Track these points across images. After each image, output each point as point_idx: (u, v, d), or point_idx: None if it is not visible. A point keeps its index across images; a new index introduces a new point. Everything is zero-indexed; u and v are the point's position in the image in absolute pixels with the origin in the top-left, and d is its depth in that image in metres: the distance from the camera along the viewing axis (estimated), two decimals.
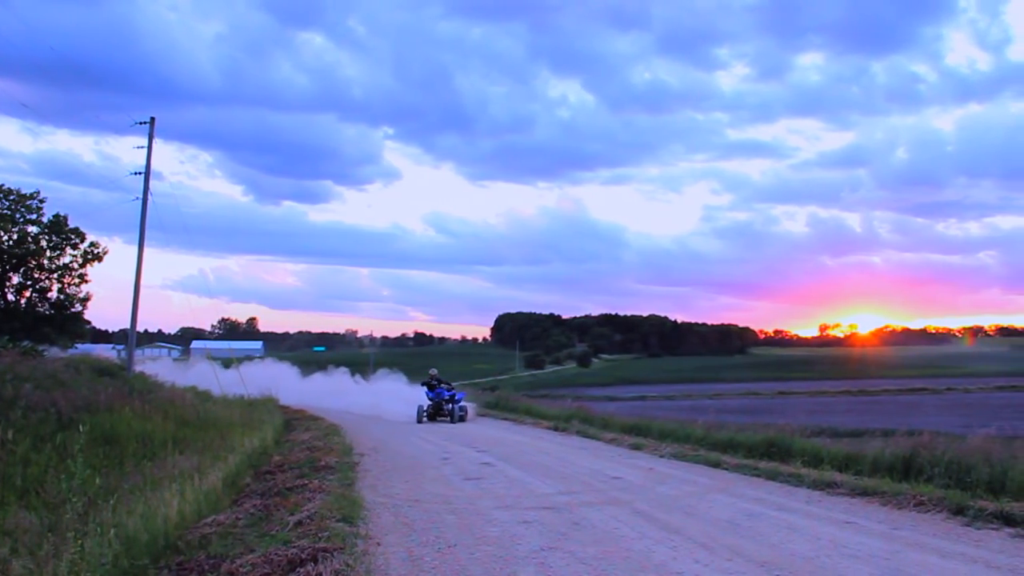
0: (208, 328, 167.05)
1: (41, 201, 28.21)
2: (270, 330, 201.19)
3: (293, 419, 24.31)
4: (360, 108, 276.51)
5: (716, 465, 13.37)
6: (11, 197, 28.00)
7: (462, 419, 25.96)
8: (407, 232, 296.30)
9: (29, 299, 28.16)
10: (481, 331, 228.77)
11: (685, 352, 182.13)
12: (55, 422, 13.28)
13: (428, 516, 9.12)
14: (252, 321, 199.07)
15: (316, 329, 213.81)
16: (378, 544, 7.58)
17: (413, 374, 42.81)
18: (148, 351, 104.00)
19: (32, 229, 28.08)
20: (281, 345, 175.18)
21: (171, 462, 11.38)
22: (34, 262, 27.65)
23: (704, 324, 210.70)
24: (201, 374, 36.44)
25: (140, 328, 30.93)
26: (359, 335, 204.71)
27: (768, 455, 13.79)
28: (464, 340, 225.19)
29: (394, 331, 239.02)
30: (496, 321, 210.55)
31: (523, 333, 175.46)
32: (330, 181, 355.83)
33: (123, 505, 7.87)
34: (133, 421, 14.51)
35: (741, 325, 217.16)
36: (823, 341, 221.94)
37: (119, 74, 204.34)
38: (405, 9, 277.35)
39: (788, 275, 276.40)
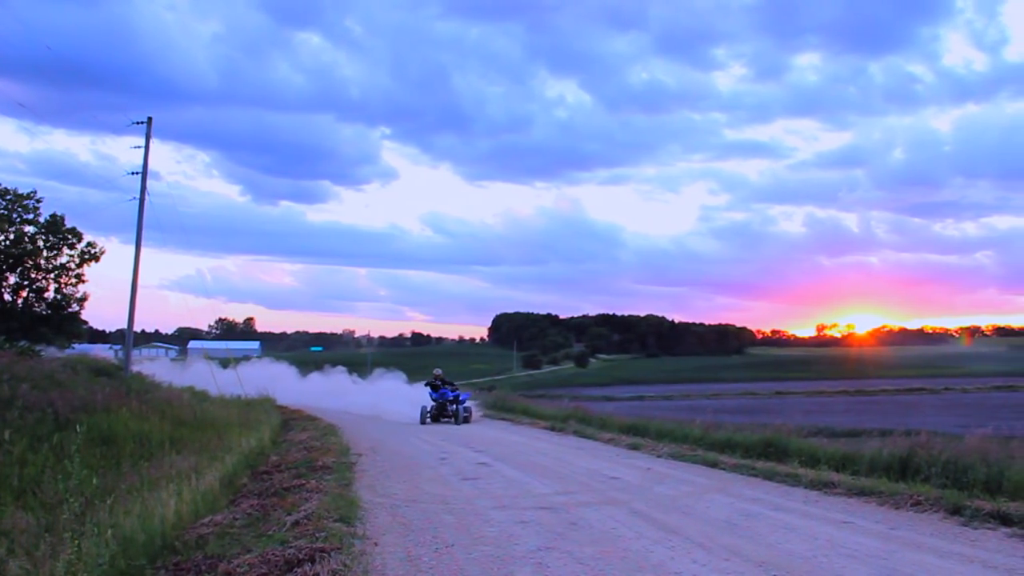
0: (205, 328, 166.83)
1: (38, 201, 28.19)
2: (267, 330, 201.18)
3: (290, 419, 24.31)
4: (357, 108, 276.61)
5: (714, 465, 13.37)
6: (8, 197, 27.96)
7: (466, 420, 25.51)
8: (404, 232, 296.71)
9: (26, 299, 28.12)
10: (478, 331, 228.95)
11: (682, 352, 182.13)
12: (52, 422, 13.27)
13: (426, 516, 9.12)
14: (249, 321, 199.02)
15: (313, 329, 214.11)
16: (375, 544, 7.58)
17: (411, 374, 42.84)
18: (145, 351, 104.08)
19: (29, 229, 28.04)
20: (278, 345, 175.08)
21: (168, 462, 11.38)
22: (31, 262, 27.61)
23: (701, 324, 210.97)
24: (198, 374, 36.47)
25: (137, 328, 30.91)
26: (356, 335, 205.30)
27: (765, 455, 13.79)
28: (461, 340, 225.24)
29: (391, 331, 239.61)
30: (493, 321, 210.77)
31: (520, 333, 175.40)
32: (327, 181, 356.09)
33: (120, 505, 7.87)
34: (130, 421, 14.51)
35: (738, 325, 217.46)
36: (820, 341, 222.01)
37: (116, 74, 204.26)
38: (402, 9, 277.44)
39: (785, 275, 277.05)
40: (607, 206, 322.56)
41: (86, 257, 28.87)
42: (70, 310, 29.07)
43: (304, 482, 10.79)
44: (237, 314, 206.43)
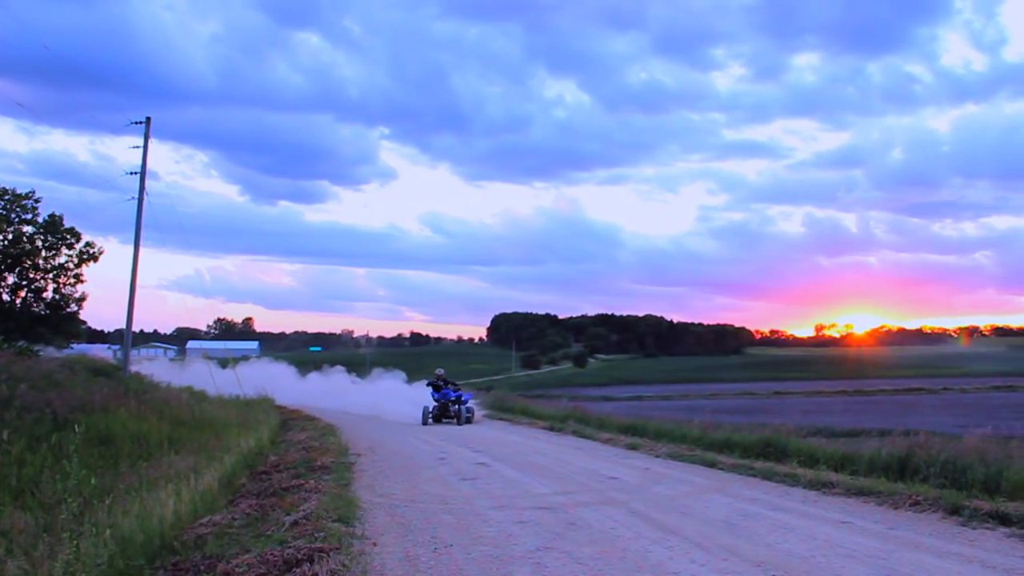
0: (204, 328, 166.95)
1: (36, 201, 28.19)
2: (266, 330, 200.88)
3: (289, 419, 24.32)
4: (356, 108, 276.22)
5: (712, 465, 13.38)
6: (6, 197, 27.95)
7: (468, 421, 25.13)
8: (403, 232, 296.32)
9: (24, 299, 28.11)
10: (477, 331, 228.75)
11: (681, 352, 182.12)
12: (50, 422, 13.27)
13: (424, 516, 9.12)
14: (248, 321, 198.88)
15: (312, 329, 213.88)
16: (374, 544, 7.57)
17: (409, 374, 42.87)
18: (144, 351, 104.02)
19: (27, 229, 28.03)
20: (277, 345, 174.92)
21: (167, 462, 11.38)
22: (29, 262, 27.59)
23: (700, 324, 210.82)
24: (197, 374, 36.43)
25: (136, 328, 30.91)
26: (355, 335, 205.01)
27: (764, 455, 13.80)
28: (460, 340, 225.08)
29: (390, 331, 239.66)
30: (492, 321, 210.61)
31: (519, 333, 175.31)
32: (326, 181, 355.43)
33: (119, 505, 7.87)
34: (129, 421, 14.51)
35: (737, 325, 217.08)
36: (819, 341, 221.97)
37: (115, 74, 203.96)
38: (401, 9, 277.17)
39: (784, 275, 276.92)
40: (606, 206, 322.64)
41: (84, 257, 28.87)
42: (68, 310, 29.06)
43: (303, 482, 10.79)
44: (236, 314, 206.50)
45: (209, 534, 7.76)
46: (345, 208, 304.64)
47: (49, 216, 28.36)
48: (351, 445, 16.58)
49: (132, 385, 20.91)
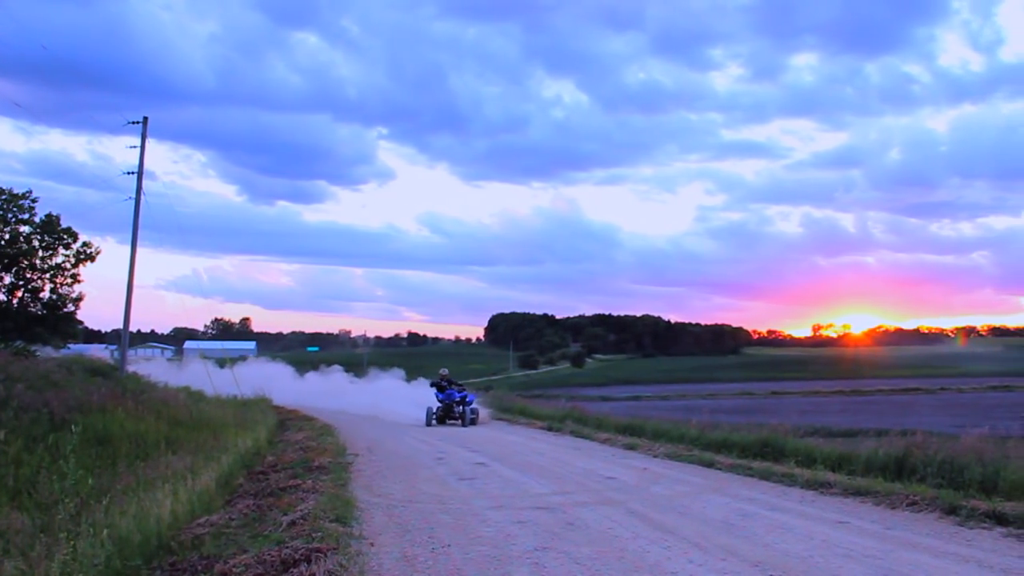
0: (201, 328, 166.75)
1: (33, 201, 28.08)
2: (263, 330, 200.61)
3: (287, 419, 24.30)
4: (354, 108, 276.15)
5: (710, 465, 13.39)
6: (3, 197, 27.85)
7: (473, 422, 24.70)
8: (401, 232, 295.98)
9: (21, 299, 28.01)
10: (475, 331, 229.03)
11: (679, 352, 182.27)
12: (47, 423, 13.24)
13: (422, 516, 9.12)
14: (245, 321, 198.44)
15: (310, 329, 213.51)
16: (372, 544, 7.57)
17: (408, 374, 42.85)
18: (141, 351, 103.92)
19: (24, 229, 27.94)
20: (275, 345, 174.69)
21: (164, 462, 11.36)
22: (26, 262, 27.50)
23: (698, 324, 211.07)
24: (194, 374, 36.38)
25: (133, 328, 30.87)
26: (353, 335, 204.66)
27: (762, 455, 13.82)
28: (458, 340, 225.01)
29: (388, 331, 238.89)
30: (490, 321, 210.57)
31: (517, 333, 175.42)
32: (324, 181, 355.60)
33: (116, 506, 7.85)
34: (126, 421, 14.47)
35: (735, 325, 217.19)
36: (817, 341, 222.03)
37: (112, 73, 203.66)
38: (399, 9, 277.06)
39: (782, 275, 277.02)
40: (604, 206, 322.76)
41: (82, 257, 28.77)
42: (66, 310, 28.95)
43: (300, 482, 10.78)
44: (233, 314, 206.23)
45: (206, 534, 7.75)
46: (343, 208, 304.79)
47: (46, 216, 28.28)
48: (349, 445, 16.57)
49: (129, 385, 20.87)
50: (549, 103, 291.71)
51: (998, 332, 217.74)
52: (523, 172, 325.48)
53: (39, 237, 28.05)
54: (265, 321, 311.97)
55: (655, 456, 15.13)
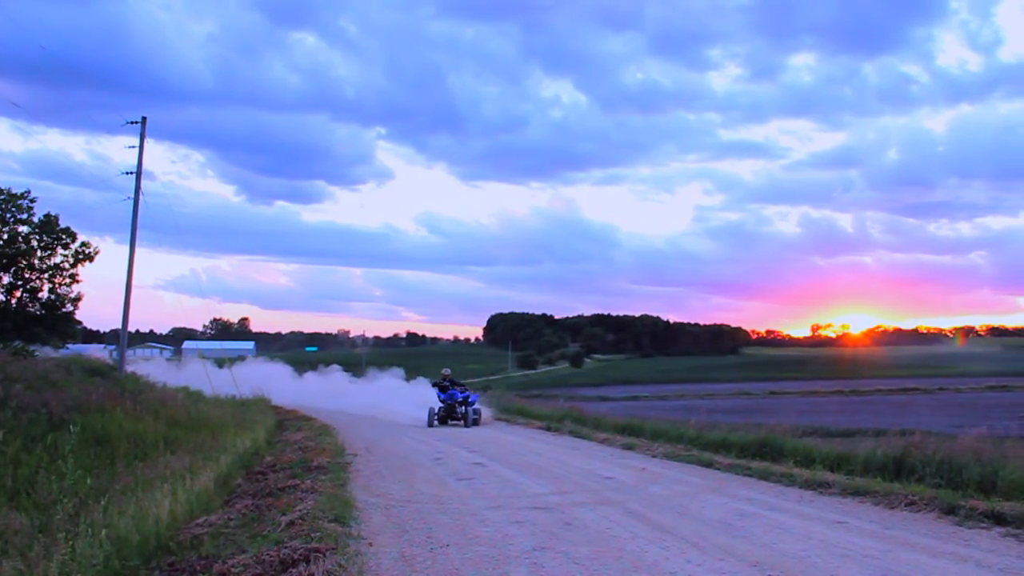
0: (200, 328, 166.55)
1: (32, 201, 28.04)
2: (262, 330, 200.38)
3: (285, 419, 24.29)
4: (352, 108, 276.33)
5: (708, 465, 13.39)
6: (1, 196, 27.83)
7: (476, 423, 24.31)
8: (399, 232, 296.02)
9: (19, 299, 27.98)
10: (473, 331, 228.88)
11: (677, 352, 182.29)
12: (46, 423, 13.23)
13: (420, 516, 9.11)
14: (244, 321, 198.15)
15: (308, 329, 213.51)
16: (370, 544, 7.57)
17: (406, 374, 42.87)
18: (140, 351, 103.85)
19: (23, 229, 27.92)
20: (273, 345, 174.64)
21: (163, 462, 11.35)
22: (24, 262, 27.46)
23: (696, 324, 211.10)
24: (193, 374, 36.37)
25: (131, 328, 30.87)
26: (351, 335, 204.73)
27: (760, 455, 13.82)
28: (456, 340, 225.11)
29: (386, 331, 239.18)
30: (488, 321, 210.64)
31: (515, 333, 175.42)
32: (322, 181, 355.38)
33: (114, 506, 7.85)
34: (124, 421, 14.46)
35: (733, 325, 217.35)
36: (815, 341, 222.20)
37: (110, 73, 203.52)
38: (397, 9, 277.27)
39: (780, 275, 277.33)
40: (602, 206, 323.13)
41: (80, 257, 28.74)
42: (64, 310, 28.92)
43: (299, 482, 10.78)
44: (232, 314, 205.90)
45: (205, 534, 7.75)
46: (341, 208, 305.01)
47: (44, 216, 28.25)
48: (347, 445, 16.56)
49: (128, 385, 20.85)
50: (547, 103, 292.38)
51: (996, 332, 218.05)
52: (521, 172, 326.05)
53: (37, 237, 28.02)
54: (264, 321, 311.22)
55: (653, 456, 15.13)
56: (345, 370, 49.61)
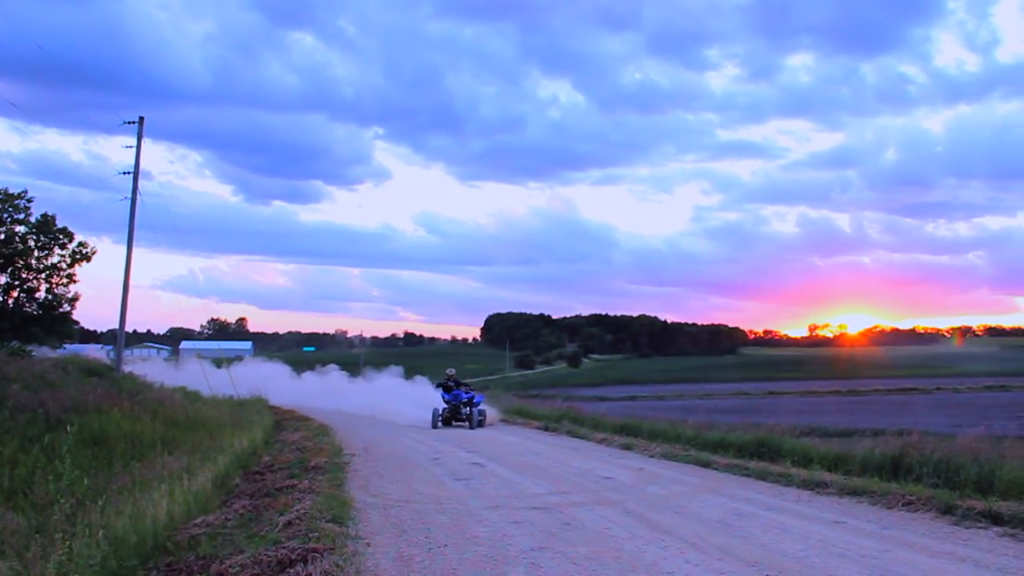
0: (197, 328, 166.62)
1: (29, 201, 28.02)
2: (260, 330, 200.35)
3: (283, 419, 24.26)
4: (350, 108, 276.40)
5: (706, 465, 13.40)
6: None
7: (481, 424, 23.72)
8: (397, 232, 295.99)
9: (17, 299, 27.95)
10: (471, 331, 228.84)
11: (675, 352, 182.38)
12: (43, 423, 13.22)
13: (418, 516, 9.11)
14: (242, 321, 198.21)
15: (306, 329, 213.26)
16: (368, 544, 7.56)
17: (405, 374, 42.83)
18: (137, 351, 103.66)
19: (20, 229, 27.89)
20: (271, 345, 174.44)
21: (160, 463, 11.33)
22: (21, 262, 27.43)
23: (694, 324, 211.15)
24: (191, 374, 36.33)
25: (129, 328, 30.86)
26: (349, 335, 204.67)
27: (758, 455, 13.82)
28: (454, 340, 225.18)
29: (384, 331, 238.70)
30: (486, 321, 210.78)
31: (513, 333, 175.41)
32: (320, 181, 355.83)
33: (111, 506, 7.83)
34: (122, 422, 14.45)
35: (731, 325, 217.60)
36: (813, 341, 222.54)
37: (108, 73, 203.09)
38: (396, 9, 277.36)
39: (778, 275, 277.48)
40: (600, 206, 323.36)
41: (77, 257, 28.72)
42: (61, 310, 28.89)
43: (296, 482, 10.77)
44: (229, 314, 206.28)
45: (203, 534, 7.74)
46: (339, 208, 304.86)
47: (42, 216, 28.23)
48: (345, 445, 16.54)
49: (125, 385, 20.83)
50: (545, 103, 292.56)
51: (994, 332, 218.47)
52: (519, 172, 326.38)
53: (35, 237, 27.99)
54: (261, 321, 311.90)
55: (651, 456, 15.13)
56: (342, 370, 49.55)
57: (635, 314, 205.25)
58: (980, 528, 8.25)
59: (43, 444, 11.08)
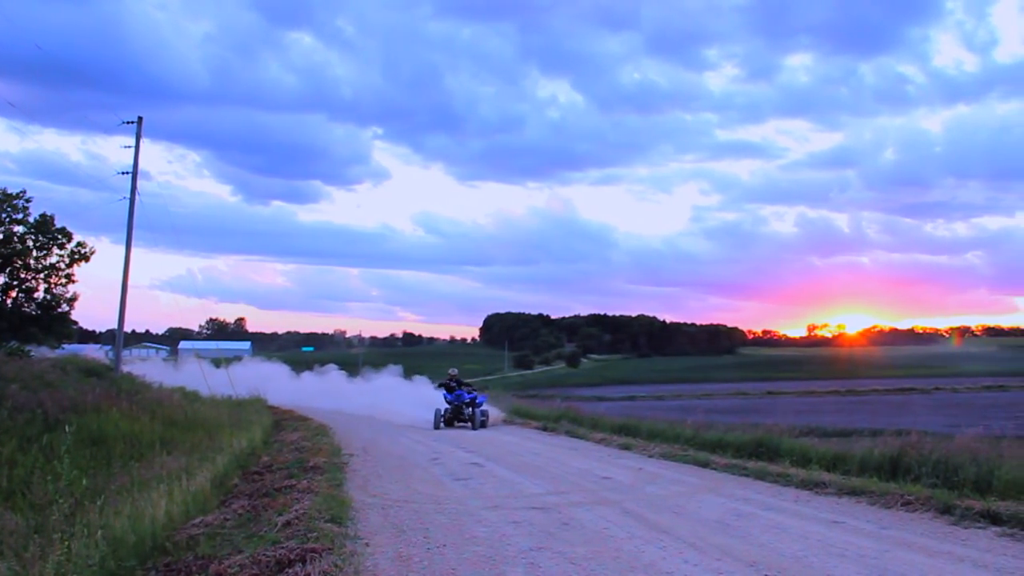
0: (196, 328, 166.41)
1: (27, 201, 28.00)
2: (258, 330, 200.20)
3: (282, 420, 24.25)
4: (349, 108, 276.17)
5: (705, 465, 13.40)
6: None
7: (484, 425, 23.38)
8: (396, 232, 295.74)
9: (15, 299, 27.95)
10: (470, 331, 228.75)
11: (674, 352, 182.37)
12: (42, 423, 13.23)
13: (417, 516, 9.10)
14: (240, 321, 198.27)
15: (305, 329, 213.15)
16: (367, 544, 7.56)
17: (404, 374, 42.85)
18: (136, 351, 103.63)
19: (18, 229, 27.87)
20: (270, 345, 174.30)
21: (159, 463, 11.34)
22: (20, 262, 27.42)
23: (693, 324, 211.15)
24: (189, 374, 36.33)
25: (128, 328, 30.81)
26: (348, 335, 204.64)
27: (757, 455, 13.83)
28: (453, 340, 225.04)
29: (383, 331, 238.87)
30: (485, 321, 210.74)
31: (512, 333, 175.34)
32: (319, 181, 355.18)
33: (110, 506, 7.84)
34: (121, 422, 14.46)
35: (730, 325, 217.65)
36: (811, 341, 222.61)
37: (107, 73, 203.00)
38: (394, 9, 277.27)
39: (777, 275, 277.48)
40: (599, 206, 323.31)
41: (76, 257, 28.71)
42: (60, 310, 28.88)
43: (295, 482, 10.77)
44: (228, 314, 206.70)
45: (201, 535, 7.74)
46: (338, 208, 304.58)
47: (40, 216, 28.22)
48: (344, 445, 16.54)
49: (124, 385, 20.83)
50: (544, 103, 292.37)
51: (992, 332, 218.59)
52: (518, 172, 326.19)
53: (33, 237, 27.97)
54: (260, 321, 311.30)
55: (650, 456, 15.13)
56: (341, 370, 49.56)
57: (634, 314, 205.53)
58: (979, 528, 8.26)
59: (41, 444, 11.09)
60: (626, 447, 16.57)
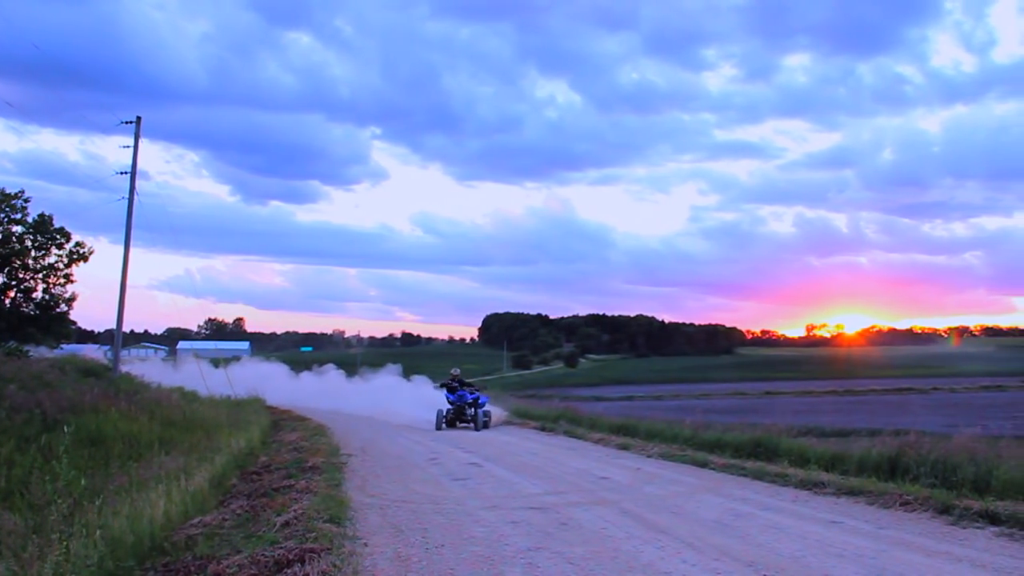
0: (195, 328, 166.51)
1: (26, 201, 28.00)
2: (257, 330, 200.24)
3: (280, 420, 24.26)
4: (347, 108, 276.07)
5: (703, 465, 13.40)
6: None
7: (486, 425, 23.14)
8: (394, 232, 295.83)
9: (14, 299, 27.94)
10: (468, 331, 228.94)
11: (672, 352, 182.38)
12: (40, 423, 13.22)
13: (416, 516, 9.10)
14: (239, 321, 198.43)
15: (303, 329, 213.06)
16: (365, 545, 7.56)
17: (402, 374, 42.85)
18: (135, 351, 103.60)
19: (16, 229, 27.86)
20: (268, 345, 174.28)
21: (157, 463, 11.33)
22: (18, 262, 27.41)
23: (691, 324, 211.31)
24: (188, 375, 36.33)
25: (126, 328, 30.76)
26: (346, 335, 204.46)
27: (755, 455, 13.83)
28: (451, 340, 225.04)
29: (381, 331, 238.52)
30: (483, 321, 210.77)
31: (510, 333, 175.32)
32: (317, 181, 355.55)
33: (109, 506, 7.83)
34: (119, 422, 14.45)
35: (728, 325, 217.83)
36: (810, 341, 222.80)
37: (105, 73, 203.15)
38: (393, 9, 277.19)
39: (775, 275, 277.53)
40: (597, 206, 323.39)
41: (74, 257, 28.71)
42: (58, 310, 28.87)
43: (294, 483, 10.77)
44: (227, 314, 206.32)
45: (200, 535, 7.74)
46: (336, 208, 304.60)
47: (39, 216, 28.21)
48: (342, 446, 16.55)
49: (122, 385, 20.84)
50: (542, 103, 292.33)
51: (991, 332, 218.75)
52: (516, 172, 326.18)
53: (32, 237, 27.97)
54: (259, 321, 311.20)
55: (649, 456, 15.14)
56: (340, 370, 49.56)
57: (632, 314, 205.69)
58: (977, 528, 8.26)
59: (40, 444, 11.09)
60: (624, 447, 16.57)
